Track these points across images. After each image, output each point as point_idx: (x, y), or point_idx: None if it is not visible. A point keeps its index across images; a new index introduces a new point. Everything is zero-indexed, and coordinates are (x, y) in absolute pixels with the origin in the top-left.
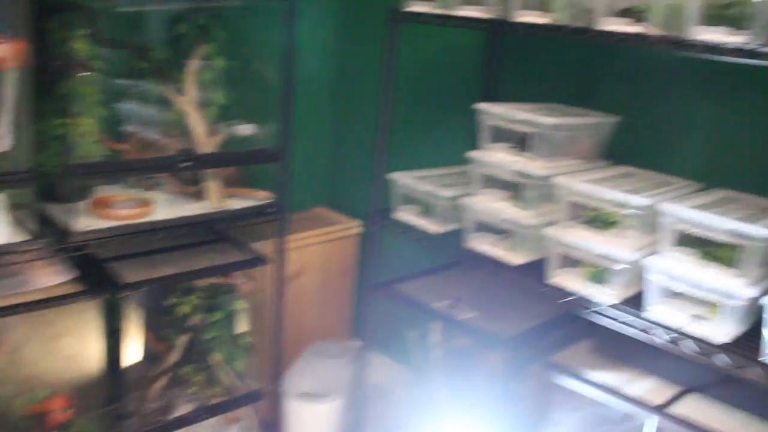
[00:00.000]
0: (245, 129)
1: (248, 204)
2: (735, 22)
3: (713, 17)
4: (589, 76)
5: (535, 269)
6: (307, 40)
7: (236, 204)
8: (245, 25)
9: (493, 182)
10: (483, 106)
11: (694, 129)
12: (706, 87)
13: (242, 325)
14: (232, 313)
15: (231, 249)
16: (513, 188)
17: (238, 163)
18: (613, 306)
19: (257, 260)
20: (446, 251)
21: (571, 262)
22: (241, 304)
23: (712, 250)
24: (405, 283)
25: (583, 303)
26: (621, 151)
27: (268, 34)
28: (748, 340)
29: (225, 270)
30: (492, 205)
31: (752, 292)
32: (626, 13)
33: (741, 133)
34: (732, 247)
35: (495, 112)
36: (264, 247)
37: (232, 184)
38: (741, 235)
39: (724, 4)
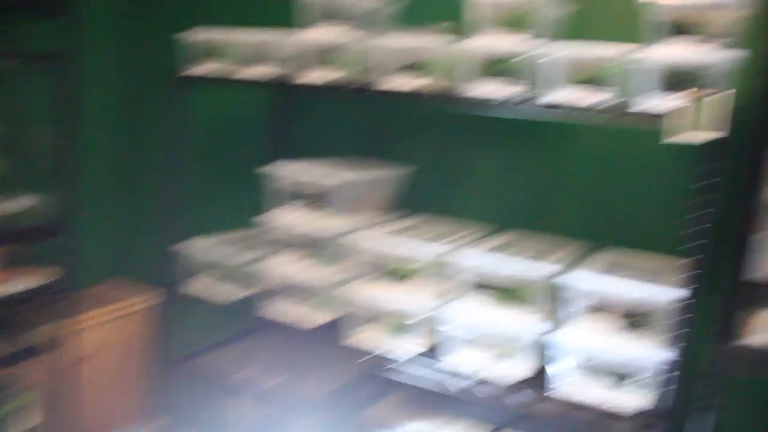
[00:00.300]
0: (22, 202)
1: (29, 285)
2: (512, 75)
3: (492, 70)
4: (384, 128)
5: (339, 327)
6: (90, 104)
7: (14, 287)
8: (20, 87)
9: (290, 242)
10: (274, 166)
11: (484, 175)
12: (493, 135)
13: (32, 419)
14: (16, 409)
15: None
16: (310, 247)
17: (14, 240)
18: (412, 359)
19: (29, 351)
20: (247, 317)
21: (371, 317)
22: (27, 397)
23: (505, 291)
24: (207, 355)
25: (381, 360)
26: (419, 200)
27: (46, 99)
28: (541, 376)
29: None
30: (287, 267)
31: (544, 328)
32: (412, 67)
33: (527, 177)
34: (522, 288)
35: (286, 171)
36: (51, 330)
37: (11, 263)
38: (528, 276)
39: (501, 59)
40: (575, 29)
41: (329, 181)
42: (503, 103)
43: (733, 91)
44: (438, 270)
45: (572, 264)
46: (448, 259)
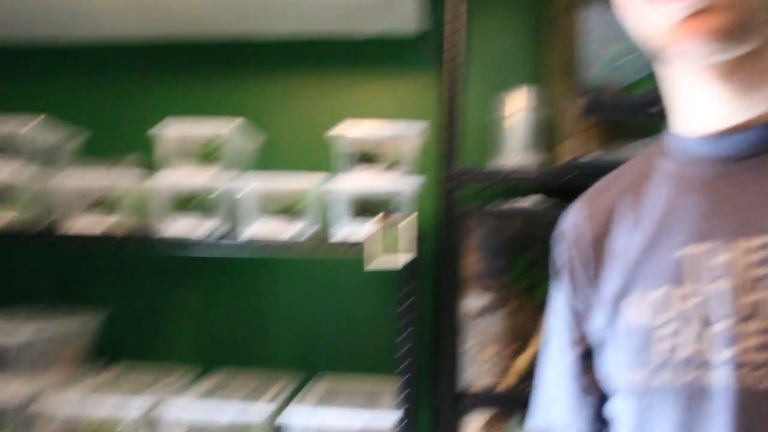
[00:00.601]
0: None
1: None
2: (206, 210)
3: (185, 206)
4: (75, 271)
5: None
6: None
7: None
8: None
9: None
10: None
11: (187, 313)
12: (193, 272)
13: None
14: None
15: None
16: None
17: None
18: None
19: None
20: None
21: None
22: None
23: None
24: None
25: None
26: (118, 348)
27: None
28: None
29: None
30: None
31: None
32: (98, 205)
33: (232, 312)
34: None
35: None
36: None
37: None
38: (245, 419)
39: (194, 194)
40: (267, 161)
41: (8, 339)
42: (198, 242)
43: (415, 214)
44: (148, 427)
45: (288, 399)
46: (157, 413)
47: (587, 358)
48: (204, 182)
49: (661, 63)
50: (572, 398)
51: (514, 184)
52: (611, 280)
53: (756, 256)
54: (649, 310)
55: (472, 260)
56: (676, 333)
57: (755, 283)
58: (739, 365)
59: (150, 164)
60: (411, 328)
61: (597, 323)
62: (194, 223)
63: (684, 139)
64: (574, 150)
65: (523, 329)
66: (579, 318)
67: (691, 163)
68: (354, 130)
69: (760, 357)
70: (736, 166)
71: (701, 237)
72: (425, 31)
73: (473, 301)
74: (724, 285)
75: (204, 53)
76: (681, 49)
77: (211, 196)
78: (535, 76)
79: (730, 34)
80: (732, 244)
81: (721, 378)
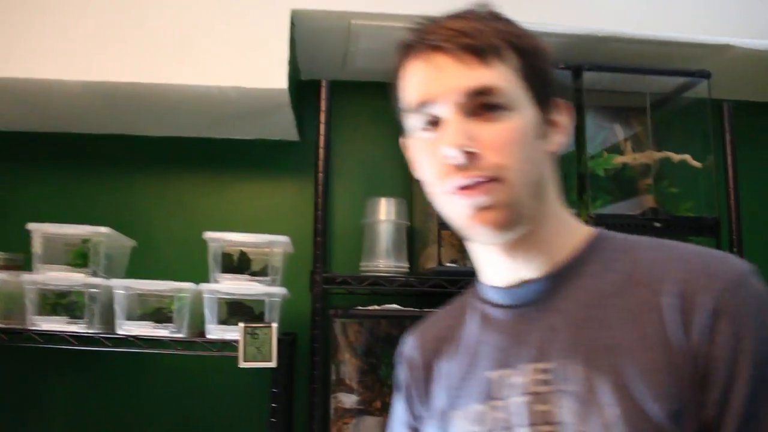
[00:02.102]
0: None
1: None
2: (79, 310)
3: (55, 304)
4: None
5: None
6: None
7: None
8: None
9: None
10: None
11: (62, 409)
12: (68, 367)
13: None
14: None
15: None
16: None
17: None
18: None
19: None
20: None
21: None
22: None
23: None
24: None
25: None
26: None
27: None
28: None
29: None
30: None
31: None
32: None
33: (107, 408)
34: None
35: None
36: None
37: None
38: None
39: (59, 294)
40: (139, 263)
41: None
42: (71, 337)
43: (275, 325)
44: None
45: None
46: None
47: None
48: (77, 281)
49: (463, 236)
50: None
51: (379, 288)
52: (439, 397)
53: (541, 377)
54: (471, 420)
55: (344, 360)
56: None
57: (542, 397)
58: None
59: (20, 261)
60: (282, 426)
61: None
62: (67, 320)
63: (487, 287)
64: (434, 258)
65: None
66: (413, 426)
67: (492, 306)
68: (227, 235)
69: None
70: (524, 310)
71: (502, 364)
72: (301, 137)
73: (344, 399)
74: (520, 400)
75: (81, 146)
76: (473, 234)
77: (84, 295)
78: (403, 186)
79: (507, 225)
80: (524, 369)
81: None
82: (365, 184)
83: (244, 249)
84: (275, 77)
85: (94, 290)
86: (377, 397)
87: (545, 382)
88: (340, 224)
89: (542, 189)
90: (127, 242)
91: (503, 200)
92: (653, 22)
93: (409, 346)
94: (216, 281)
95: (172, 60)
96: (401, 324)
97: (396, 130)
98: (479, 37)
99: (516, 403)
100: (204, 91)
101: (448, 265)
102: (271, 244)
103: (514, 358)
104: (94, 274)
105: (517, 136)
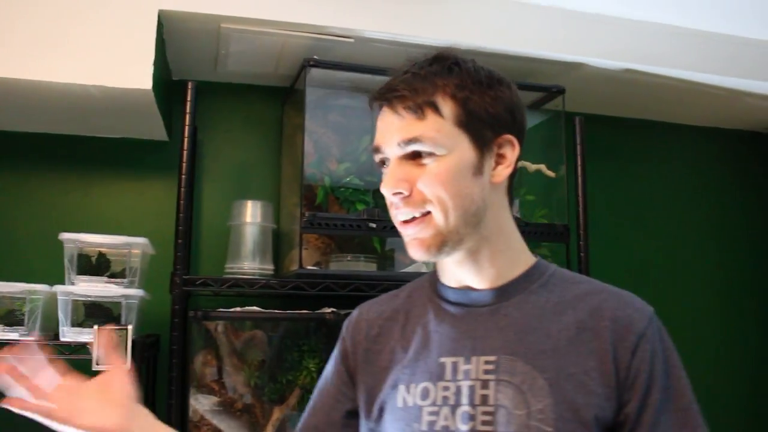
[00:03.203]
0: None
1: None
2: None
3: None
4: None
5: None
6: None
7: None
8: None
9: None
10: None
11: None
12: None
13: None
14: None
15: None
16: None
17: None
18: None
19: None
20: None
21: None
22: None
23: None
24: None
25: None
26: None
27: None
28: None
29: None
30: None
31: None
32: None
33: None
34: None
35: None
36: None
37: None
38: None
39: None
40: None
41: None
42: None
43: (131, 326)
44: None
45: None
46: None
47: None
48: None
49: None
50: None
51: (242, 290)
52: (383, 369)
53: (486, 367)
54: (419, 394)
55: (205, 362)
56: (437, 411)
57: (486, 383)
58: None
59: None
60: None
61: (361, 394)
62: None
63: (444, 286)
64: (297, 261)
65: (252, 429)
66: (348, 376)
67: (447, 302)
68: (84, 236)
69: (486, 429)
70: (475, 310)
71: (454, 353)
72: (171, 138)
73: (204, 401)
74: (467, 383)
75: None
76: (412, 255)
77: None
78: (271, 189)
79: (437, 249)
80: (472, 359)
81: None
82: (234, 187)
83: (102, 250)
84: (139, 77)
85: None
86: (239, 399)
87: (490, 372)
88: (208, 226)
89: (478, 217)
90: None
91: (432, 231)
92: (513, 39)
93: (356, 317)
94: (72, 283)
95: (35, 56)
96: (263, 326)
97: (266, 133)
98: (418, 95)
99: (463, 386)
100: (66, 88)
101: (310, 268)
102: (129, 245)
103: (465, 348)
104: None
105: (446, 176)
